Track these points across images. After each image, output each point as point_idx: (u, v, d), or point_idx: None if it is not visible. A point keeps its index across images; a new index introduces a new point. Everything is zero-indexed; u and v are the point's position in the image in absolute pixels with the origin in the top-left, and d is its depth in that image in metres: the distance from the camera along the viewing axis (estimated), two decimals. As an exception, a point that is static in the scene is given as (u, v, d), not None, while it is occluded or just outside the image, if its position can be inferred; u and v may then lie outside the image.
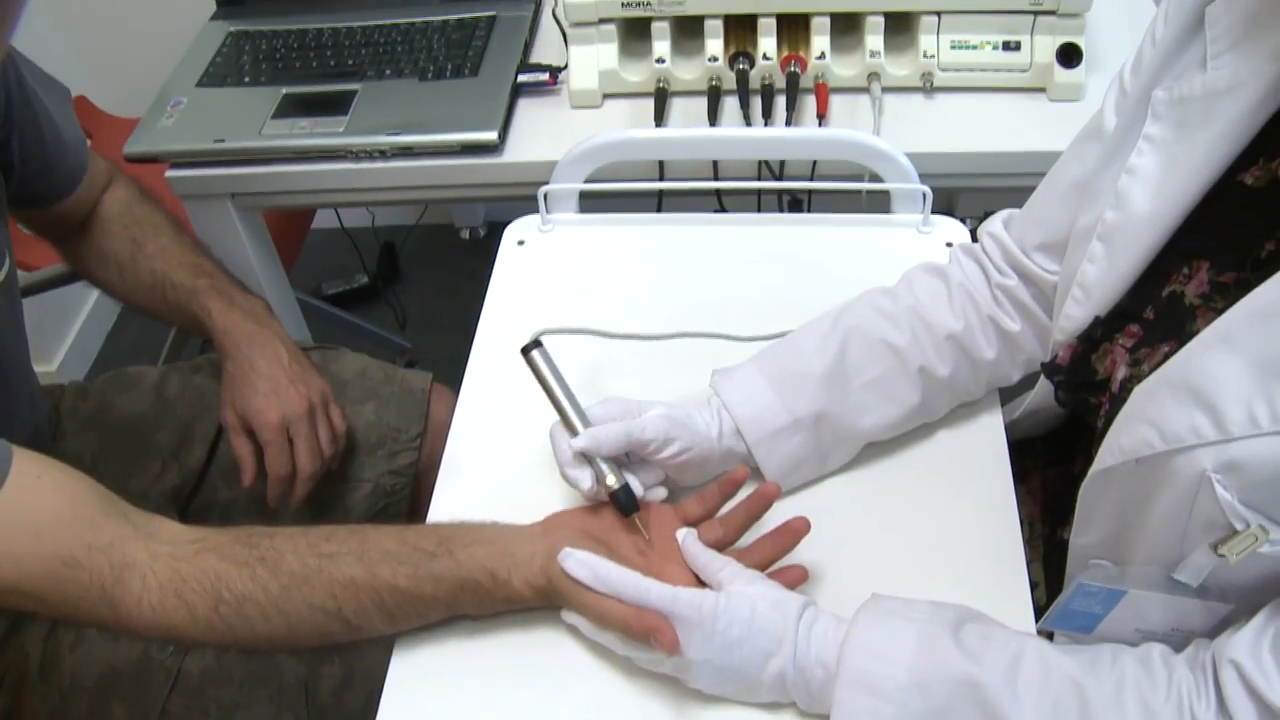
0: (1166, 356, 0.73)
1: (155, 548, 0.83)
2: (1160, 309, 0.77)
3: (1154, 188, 0.77)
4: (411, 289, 2.50)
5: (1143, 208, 0.77)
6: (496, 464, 0.99)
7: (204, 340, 1.18)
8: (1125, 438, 0.73)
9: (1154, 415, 0.70)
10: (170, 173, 1.36)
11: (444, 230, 2.58)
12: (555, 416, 0.89)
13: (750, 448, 0.92)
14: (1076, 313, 0.82)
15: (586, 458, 0.87)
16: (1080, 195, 0.86)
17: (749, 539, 0.88)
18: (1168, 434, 0.69)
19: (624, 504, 0.86)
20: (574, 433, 0.87)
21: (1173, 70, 0.78)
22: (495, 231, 2.50)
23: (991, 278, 0.95)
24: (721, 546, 0.87)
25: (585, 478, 0.86)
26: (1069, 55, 1.30)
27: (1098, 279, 0.81)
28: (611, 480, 0.86)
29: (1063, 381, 0.86)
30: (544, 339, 0.91)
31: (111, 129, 1.91)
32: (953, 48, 1.30)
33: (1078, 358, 0.83)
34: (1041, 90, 1.32)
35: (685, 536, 0.86)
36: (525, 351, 0.89)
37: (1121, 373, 0.79)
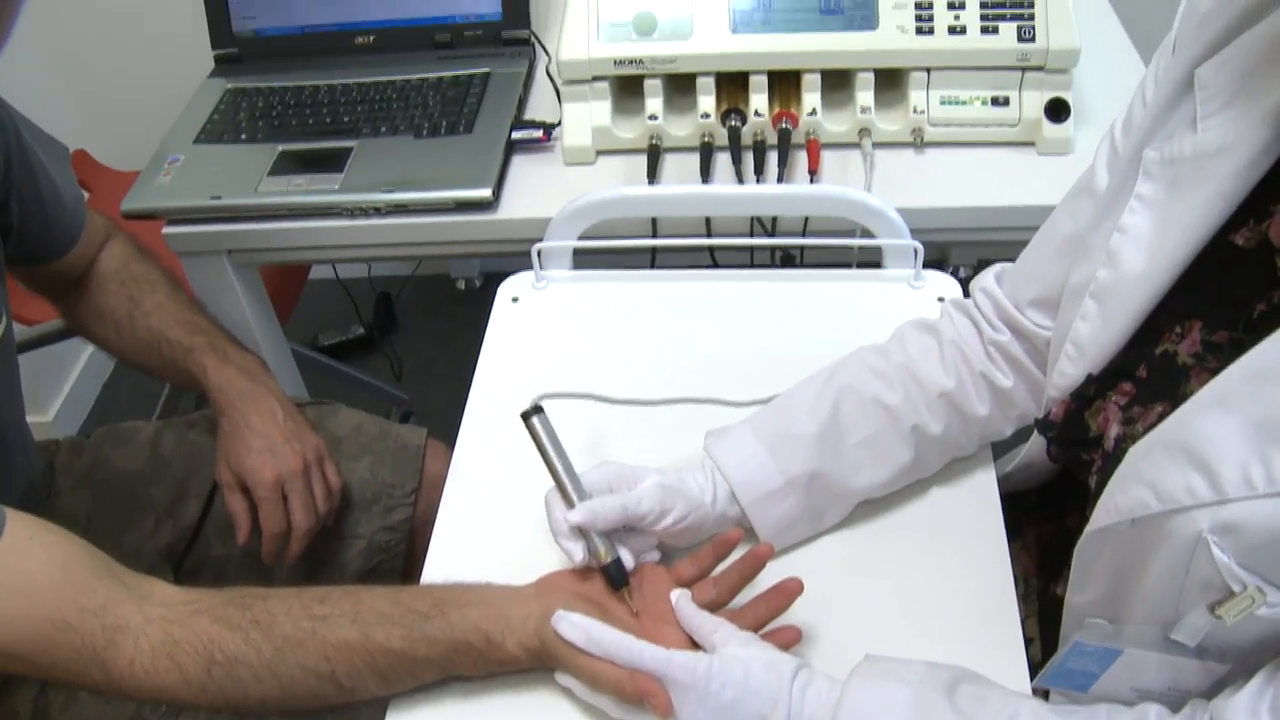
0: (1160, 416, 0.72)
1: (148, 610, 0.82)
2: (1153, 368, 0.77)
3: (1146, 247, 0.77)
4: (408, 339, 2.50)
5: (1135, 267, 0.77)
6: (491, 521, 0.98)
7: (199, 394, 1.17)
8: (1121, 497, 0.72)
9: (1149, 476, 0.69)
10: (167, 229, 1.36)
11: (440, 281, 2.58)
12: (551, 481, 0.88)
13: (744, 509, 0.91)
14: (1070, 370, 0.82)
15: (581, 530, 0.86)
16: (1073, 251, 0.86)
17: (742, 599, 0.87)
18: (1163, 495, 0.68)
19: (614, 579, 0.86)
20: (570, 503, 0.86)
21: (1163, 130, 0.78)
22: (491, 282, 2.51)
23: (984, 333, 0.95)
24: (715, 608, 0.86)
25: (578, 550, 0.86)
26: (1057, 110, 1.30)
27: (1091, 337, 0.80)
28: (604, 554, 0.85)
29: (1055, 438, 0.85)
30: (542, 401, 0.91)
31: (110, 183, 1.92)
32: (942, 103, 1.31)
33: (1071, 414, 0.83)
34: (1031, 145, 1.33)
35: (679, 598, 0.85)
36: (525, 417, 0.88)
37: (1115, 430, 0.78)
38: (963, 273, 2.39)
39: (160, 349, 1.16)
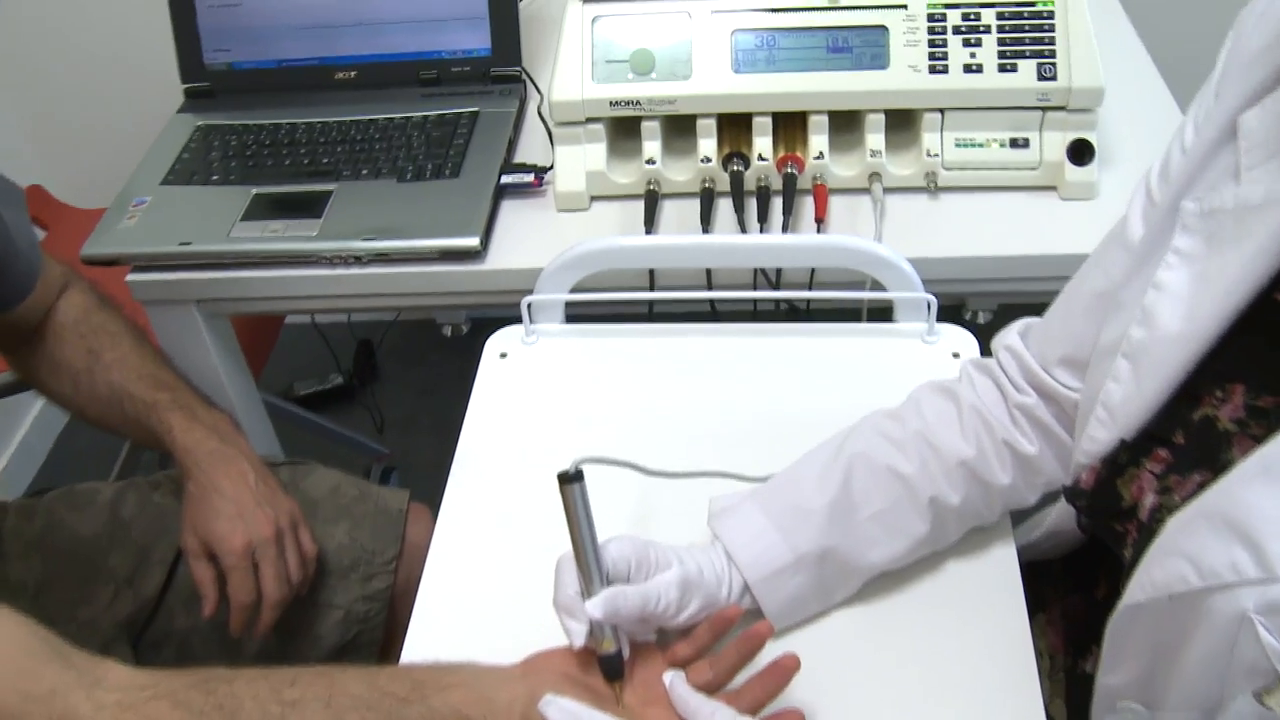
0: (1200, 486, 0.72)
1: (100, 696, 0.81)
2: (1191, 434, 0.76)
3: (1184, 305, 0.76)
4: (390, 389, 2.50)
5: (1172, 326, 0.77)
6: (477, 592, 0.98)
7: (164, 454, 1.17)
8: (1157, 572, 0.71)
9: (1189, 549, 0.69)
10: (132, 277, 1.36)
11: (425, 327, 2.59)
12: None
13: (751, 587, 0.91)
14: (1101, 435, 0.81)
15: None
16: (1105, 307, 0.85)
17: (740, 679, 0.86)
18: (1204, 570, 0.67)
19: (612, 670, 0.85)
20: (587, 579, 0.85)
21: (1203, 180, 0.78)
22: (480, 329, 2.51)
23: (1009, 396, 0.95)
24: (712, 689, 0.85)
25: (581, 633, 0.84)
26: (1080, 152, 1.31)
27: (1123, 400, 0.80)
28: (608, 644, 0.84)
29: (1086, 507, 0.85)
30: (578, 465, 0.89)
31: (69, 221, 1.92)
32: (958, 145, 1.32)
33: (1102, 482, 0.82)
34: (1052, 189, 1.33)
35: (673, 680, 0.84)
36: (565, 481, 0.86)
37: (1150, 500, 0.77)
38: (982, 317, 2.40)
39: (122, 405, 1.16)
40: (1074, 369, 0.90)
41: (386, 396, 2.47)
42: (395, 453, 2.27)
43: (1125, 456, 0.80)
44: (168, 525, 1.22)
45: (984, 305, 2.33)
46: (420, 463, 2.23)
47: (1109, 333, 0.83)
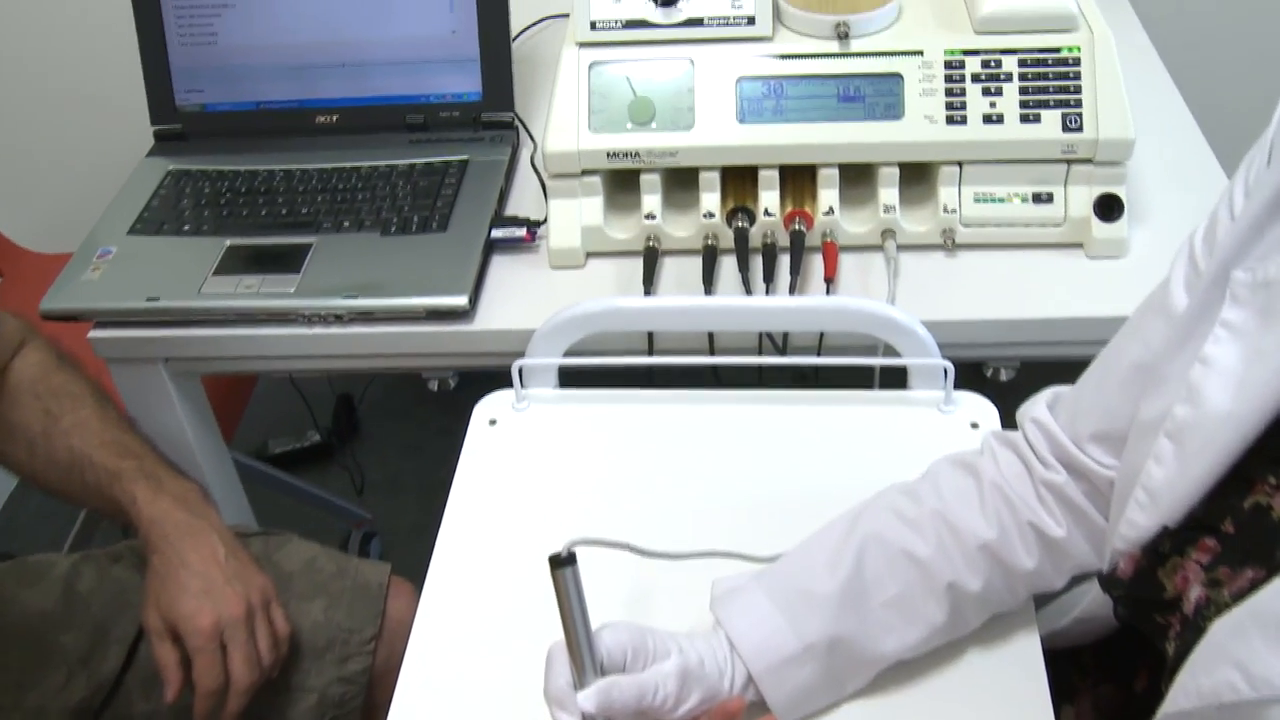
0: (1253, 583, 0.71)
1: None
2: (1242, 523, 0.76)
3: (1234, 382, 0.76)
4: (371, 448, 2.50)
5: (1220, 405, 0.76)
6: (462, 676, 0.98)
7: (125, 525, 1.17)
8: (1204, 678, 0.71)
9: (1240, 655, 0.68)
10: (94, 333, 1.37)
11: (409, 382, 2.59)
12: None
13: (755, 679, 0.91)
14: (1141, 520, 0.81)
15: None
16: (1143, 380, 0.85)
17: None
18: (1256, 680, 0.67)
19: None
20: (579, 668, 0.85)
21: (1256, 249, 0.78)
22: (467, 383, 2.52)
23: (1035, 473, 0.95)
24: None
25: None
26: (1109, 207, 1.32)
27: (1166, 483, 0.80)
28: None
29: (1123, 597, 0.84)
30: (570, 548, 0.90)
31: (27, 268, 1.93)
32: (976, 201, 1.33)
33: (1142, 571, 0.82)
34: (1078, 247, 1.34)
35: None
36: (557, 564, 0.86)
37: (1196, 593, 0.77)
38: (1004, 374, 2.40)
39: (82, 473, 1.16)
40: (1108, 445, 0.90)
41: (367, 455, 2.47)
42: (376, 516, 2.27)
43: (1168, 545, 0.79)
44: (128, 601, 1.22)
45: (1006, 363, 2.34)
46: (403, 527, 2.23)
47: (1149, 408, 0.83)
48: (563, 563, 0.86)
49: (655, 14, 1.32)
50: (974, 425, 1.16)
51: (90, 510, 1.32)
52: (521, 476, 1.15)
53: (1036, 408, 0.97)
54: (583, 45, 1.34)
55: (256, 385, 1.99)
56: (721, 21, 1.32)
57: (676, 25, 1.32)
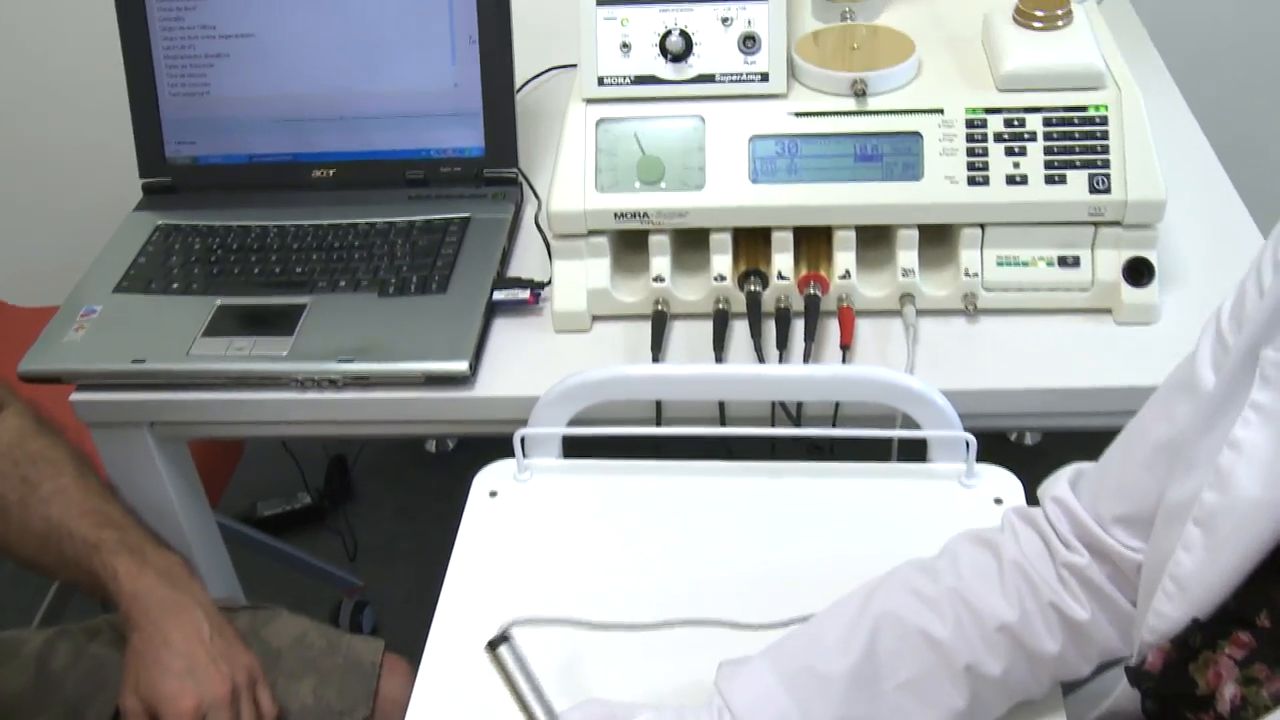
0: (1295, 684, 0.73)
1: None
2: (1278, 616, 0.77)
3: (1264, 468, 0.78)
4: (365, 511, 2.51)
5: (1250, 491, 0.78)
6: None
7: (103, 601, 1.18)
8: None
9: None
10: (76, 396, 1.39)
11: (405, 442, 2.60)
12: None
13: (755, 760, 0.92)
14: (1169, 610, 0.82)
15: None
16: (1170, 461, 0.87)
17: None
18: None
19: None
20: None
21: None
22: (466, 445, 2.53)
23: (1057, 554, 0.96)
24: None
25: None
26: (1138, 272, 1.33)
27: (1195, 572, 0.81)
28: None
29: (1153, 691, 0.85)
30: (516, 629, 0.92)
31: (7, 321, 1.95)
32: (999, 264, 1.35)
33: (1171, 665, 0.83)
34: (1107, 312, 1.36)
35: None
36: (492, 647, 0.90)
37: (1230, 691, 0.78)
38: (1029, 438, 2.41)
39: (59, 544, 1.18)
40: (1134, 528, 0.91)
41: (361, 519, 2.48)
42: (369, 584, 2.28)
43: (1199, 638, 0.80)
44: (106, 680, 1.23)
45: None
46: (397, 595, 2.25)
47: (1176, 492, 0.84)
48: (497, 643, 0.89)
49: (665, 69, 1.35)
50: (997, 501, 1.18)
51: (68, 584, 1.32)
52: (523, 551, 1.17)
53: (1058, 485, 0.98)
54: (590, 101, 1.36)
55: (245, 446, 2.01)
56: (734, 78, 1.35)
57: (687, 81, 1.35)
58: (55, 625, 1.34)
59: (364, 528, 2.46)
